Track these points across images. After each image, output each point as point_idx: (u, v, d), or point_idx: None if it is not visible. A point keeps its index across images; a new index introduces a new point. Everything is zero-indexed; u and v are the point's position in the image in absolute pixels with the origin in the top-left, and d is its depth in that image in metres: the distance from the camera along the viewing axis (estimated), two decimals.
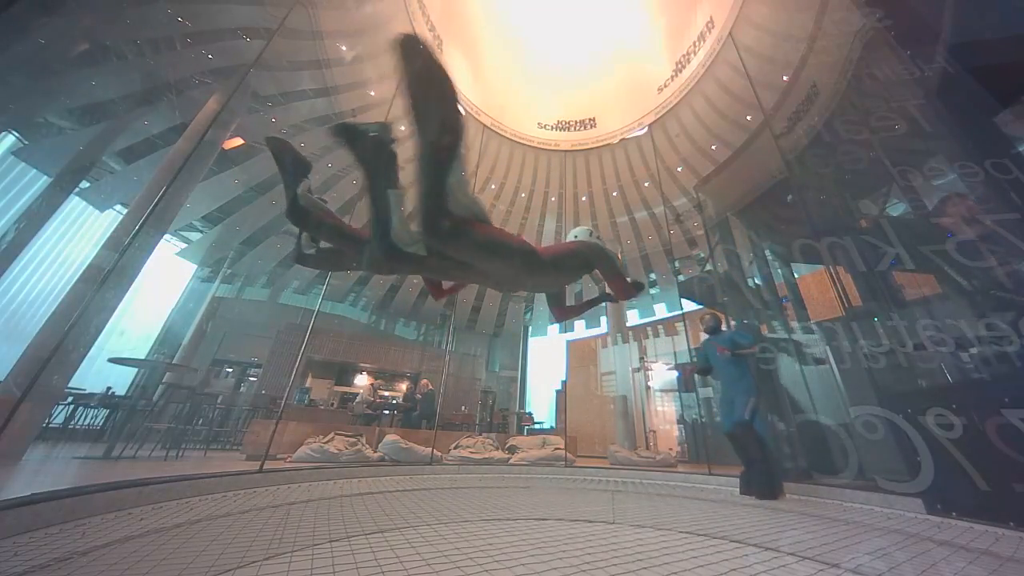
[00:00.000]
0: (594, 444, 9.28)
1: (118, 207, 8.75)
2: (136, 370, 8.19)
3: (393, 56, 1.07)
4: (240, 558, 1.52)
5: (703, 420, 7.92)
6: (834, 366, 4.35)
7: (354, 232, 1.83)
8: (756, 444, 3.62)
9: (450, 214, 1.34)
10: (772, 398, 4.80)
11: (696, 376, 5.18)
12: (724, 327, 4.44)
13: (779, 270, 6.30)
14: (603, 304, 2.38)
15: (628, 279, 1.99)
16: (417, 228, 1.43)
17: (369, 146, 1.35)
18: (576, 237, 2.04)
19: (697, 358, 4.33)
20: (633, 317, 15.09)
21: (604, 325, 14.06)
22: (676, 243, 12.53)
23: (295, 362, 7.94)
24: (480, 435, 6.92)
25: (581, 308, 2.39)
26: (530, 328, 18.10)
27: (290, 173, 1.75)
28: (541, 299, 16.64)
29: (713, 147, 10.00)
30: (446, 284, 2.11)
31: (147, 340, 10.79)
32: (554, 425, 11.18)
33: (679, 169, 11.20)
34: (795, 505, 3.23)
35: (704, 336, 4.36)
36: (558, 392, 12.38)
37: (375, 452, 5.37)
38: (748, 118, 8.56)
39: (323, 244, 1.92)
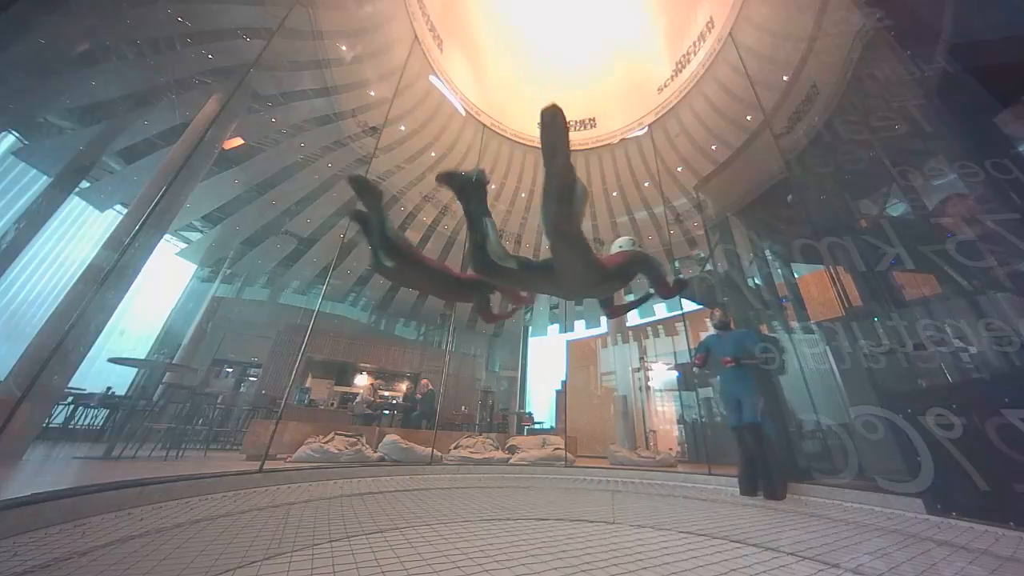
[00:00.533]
0: (594, 444, 9.28)
1: (118, 207, 8.74)
2: (136, 370, 8.19)
3: (541, 122, 1.42)
4: (240, 558, 1.52)
5: (703, 420, 7.92)
6: (834, 366, 4.35)
7: (428, 263, 2.20)
8: (765, 445, 3.62)
9: (566, 231, 1.62)
10: (772, 398, 4.80)
11: (695, 368, 5.20)
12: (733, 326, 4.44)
13: (779, 270, 6.30)
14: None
15: (670, 280, 2.24)
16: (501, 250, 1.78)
17: (471, 187, 1.74)
18: (622, 248, 2.29)
19: (697, 349, 4.32)
20: (633, 317, 15.09)
21: (604, 325, 14.06)
22: (676, 243, 12.53)
23: (295, 362, 7.93)
24: (480, 435, 6.92)
25: (631, 306, 2.75)
26: (530, 328, 18.09)
27: (378, 209, 1.96)
28: (541, 299, 16.65)
29: (713, 147, 10.00)
30: (499, 310, 2.44)
31: (147, 340, 10.79)
32: (554, 425, 11.19)
33: (679, 169, 11.19)
34: (795, 505, 3.24)
35: (711, 331, 4.36)
36: (558, 392, 12.39)
37: (375, 452, 5.37)
38: (748, 118, 8.55)
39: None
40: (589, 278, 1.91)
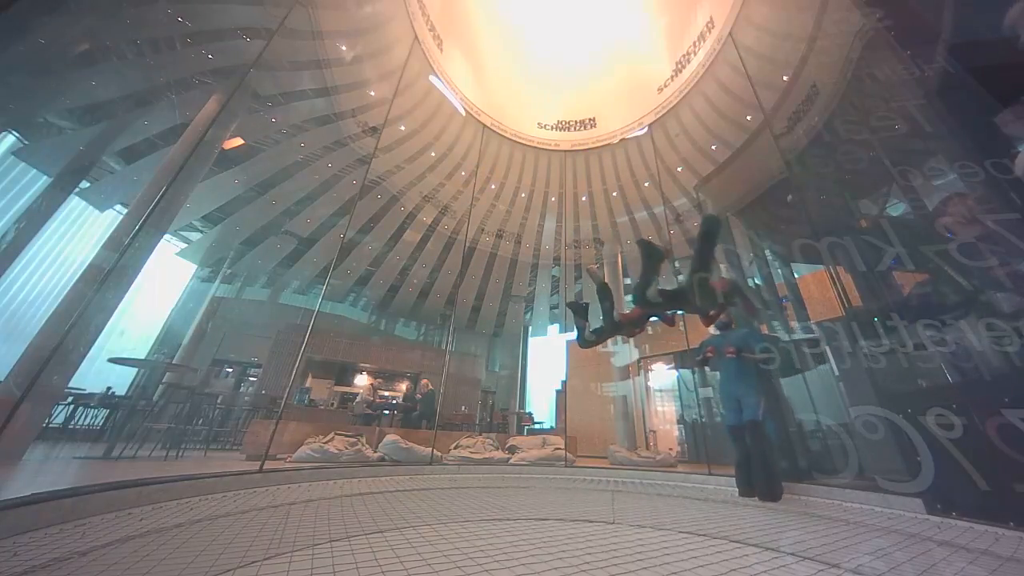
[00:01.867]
0: (594, 444, 9.28)
1: (118, 207, 8.75)
2: (136, 370, 8.18)
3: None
4: (240, 558, 1.52)
5: (703, 420, 7.92)
6: (834, 366, 4.35)
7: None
8: (764, 444, 3.61)
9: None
10: (772, 398, 4.79)
11: (700, 366, 5.23)
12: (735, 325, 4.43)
13: (779, 270, 6.30)
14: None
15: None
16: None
17: (655, 254, 2.89)
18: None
19: (699, 349, 4.32)
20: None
21: (599, 322, 14.04)
22: (676, 243, 12.52)
23: (295, 362, 7.93)
24: (480, 435, 6.92)
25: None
26: (530, 328, 18.09)
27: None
28: (541, 299, 16.66)
29: (713, 147, 10.00)
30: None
31: (147, 340, 10.79)
32: (554, 425, 11.19)
33: (679, 169, 11.19)
34: (795, 505, 3.24)
35: (712, 330, 4.36)
36: (558, 392, 12.38)
37: (375, 452, 5.37)
38: (748, 118, 8.56)
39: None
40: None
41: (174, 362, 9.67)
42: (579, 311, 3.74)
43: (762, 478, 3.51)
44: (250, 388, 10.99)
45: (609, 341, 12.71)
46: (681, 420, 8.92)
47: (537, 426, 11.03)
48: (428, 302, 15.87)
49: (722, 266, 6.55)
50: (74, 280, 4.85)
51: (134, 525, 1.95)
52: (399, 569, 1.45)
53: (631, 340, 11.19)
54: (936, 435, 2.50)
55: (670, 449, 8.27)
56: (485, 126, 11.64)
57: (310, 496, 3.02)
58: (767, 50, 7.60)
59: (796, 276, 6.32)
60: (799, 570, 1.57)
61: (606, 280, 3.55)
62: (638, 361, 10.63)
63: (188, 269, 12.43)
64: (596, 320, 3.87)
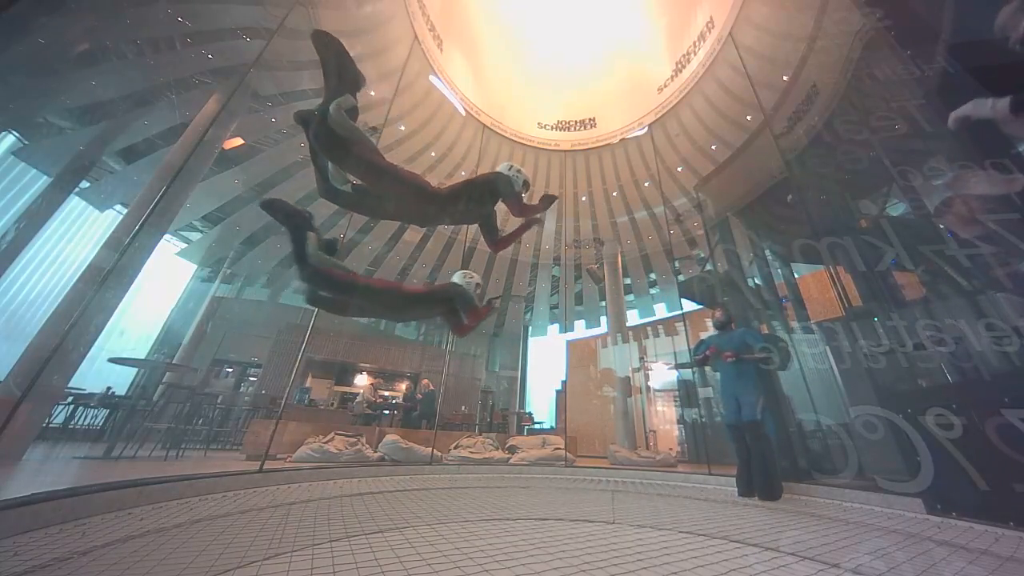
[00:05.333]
0: (594, 444, 9.28)
1: (118, 207, 8.74)
2: (136, 370, 8.18)
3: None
4: (240, 558, 1.52)
5: (703, 420, 7.92)
6: (834, 366, 4.35)
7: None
8: (764, 444, 3.61)
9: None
10: (771, 397, 4.80)
11: (695, 367, 5.21)
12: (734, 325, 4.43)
13: (779, 270, 6.29)
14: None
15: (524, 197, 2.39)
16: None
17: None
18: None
19: (696, 349, 4.32)
20: (633, 317, 15.10)
21: (604, 325, 14.07)
22: (676, 243, 12.52)
23: (295, 362, 7.93)
24: (480, 435, 6.92)
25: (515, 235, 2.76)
26: (530, 328, 18.09)
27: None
28: (541, 300, 16.66)
29: (713, 147, 9.99)
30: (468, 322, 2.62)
31: (147, 340, 10.79)
32: (554, 425, 11.19)
33: (679, 169, 11.19)
34: (795, 505, 3.24)
35: (711, 330, 4.36)
36: (558, 392, 12.39)
37: (375, 452, 5.37)
38: (748, 118, 8.55)
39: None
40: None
41: (174, 362, 9.67)
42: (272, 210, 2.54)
43: (762, 478, 3.51)
44: (250, 388, 10.99)
45: (609, 340, 12.61)
46: (681, 420, 8.92)
47: (537, 426, 11.03)
48: None
49: (718, 264, 6.56)
50: (74, 280, 4.85)
51: (134, 525, 1.95)
52: (399, 569, 1.45)
53: (632, 340, 11.22)
54: (936, 435, 2.50)
55: (670, 449, 8.27)
56: (485, 126, 11.64)
57: (310, 496, 3.02)
58: (767, 50, 7.60)
59: (796, 276, 6.32)
60: (799, 570, 1.57)
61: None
62: (638, 361, 10.63)
63: (188, 269, 12.43)
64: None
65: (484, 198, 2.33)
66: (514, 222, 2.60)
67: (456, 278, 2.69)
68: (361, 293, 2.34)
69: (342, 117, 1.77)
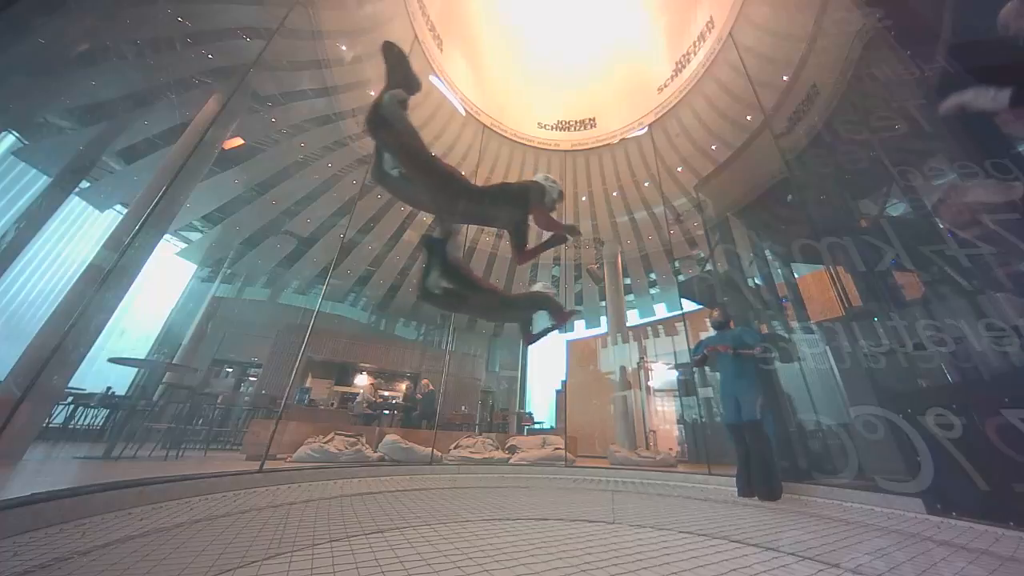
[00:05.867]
0: (594, 444, 9.28)
1: (118, 207, 8.74)
2: (136, 370, 8.19)
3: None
4: (240, 558, 1.52)
5: (703, 420, 7.92)
6: (834, 366, 4.35)
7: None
8: (763, 444, 3.61)
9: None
10: (771, 397, 4.80)
11: (694, 368, 5.22)
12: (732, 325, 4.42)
13: (779, 270, 6.29)
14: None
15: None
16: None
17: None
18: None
19: (695, 349, 4.32)
20: (633, 317, 15.10)
21: (604, 325, 14.06)
22: (676, 243, 12.52)
23: (295, 362, 7.93)
24: (480, 435, 6.92)
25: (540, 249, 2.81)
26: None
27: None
28: None
29: (713, 147, 9.99)
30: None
31: (147, 340, 10.80)
32: (554, 425, 11.19)
33: (679, 169, 11.19)
34: (795, 505, 3.23)
35: (711, 331, 4.35)
36: (558, 392, 12.39)
37: (375, 452, 5.37)
38: (748, 118, 8.55)
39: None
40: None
41: (174, 362, 9.68)
42: (428, 247, 2.53)
43: (762, 478, 3.51)
44: (250, 388, 11.00)
45: (609, 340, 12.63)
46: (681, 420, 8.92)
47: (537, 426, 11.03)
48: None
49: (718, 264, 6.57)
50: (74, 280, 4.85)
51: (134, 525, 1.95)
52: (399, 569, 1.45)
53: (632, 340, 11.22)
54: (936, 435, 2.50)
55: (670, 449, 8.27)
56: (485, 126, 11.64)
57: (310, 496, 3.02)
58: (767, 50, 7.60)
59: (796, 276, 6.32)
60: (799, 570, 1.57)
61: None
62: (638, 361, 10.63)
63: (188, 269, 12.44)
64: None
65: (517, 202, 2.40)
66: (537, 240, 2.73)
67: (540, 287, 2.94)
68: (474, 291, 2.56)
69: (393, 104, 2.07)
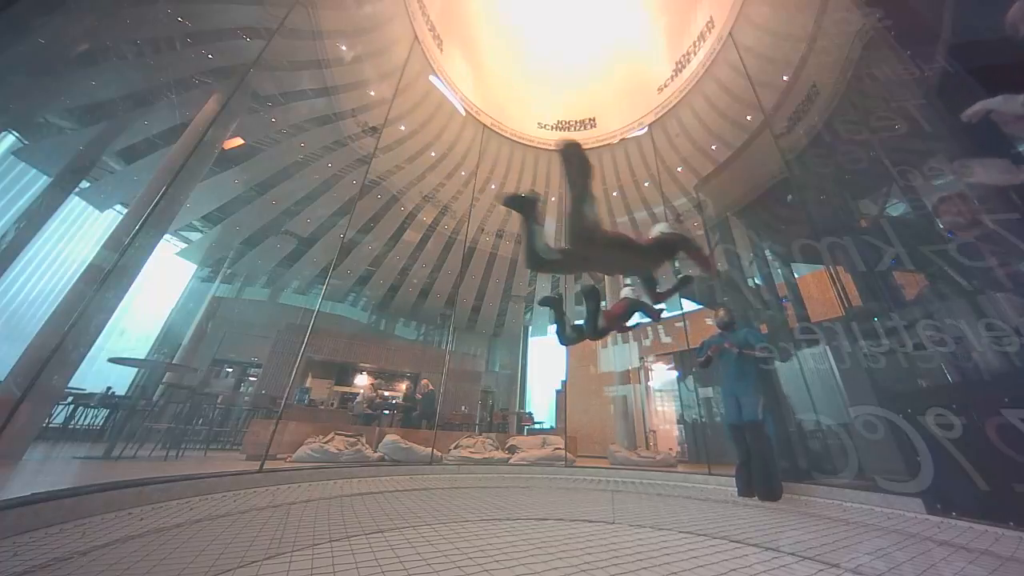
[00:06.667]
0: (594, 444, 9.28)
1: (118, 207, 8.74)
2: (136, 370, 8.19)
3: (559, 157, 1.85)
4: (240, 558, 1.52)
5: (703, 420, 7.92)
6: (834, 366, 4.35)
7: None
8: (764, 444, 3.61)
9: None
10: (772, 398, 4.80)
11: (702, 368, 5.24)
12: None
13: (779, 270, 6.30)
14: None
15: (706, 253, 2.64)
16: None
17: (527, 204, 2.08)
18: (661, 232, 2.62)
19: (700, 351, 4.32)
20: (633, 317, 15.06)
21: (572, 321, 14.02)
22: None
23: (295, 362, 7.94)
24: (480, 435, 6.92)
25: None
26: (530, 328, 18.09)
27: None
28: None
29: (713, 147, 9.99)
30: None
31: (147, 340, 10.79)
32: (554, 425, 11.19)
33: (679, 169, 11.19)
34: (795, 505, 3.24)
35: (717, 331, 4.35)
36: (558, 392, 12.38)
37: (375, 452, 5.37)
38: (748, 118, 8.55)
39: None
40: (625, 256, 2.36)
41: (174, 362, 9.68)
42: (554, 305, 3.35)
43: (762, 478, 3.51)
44: (250, 388, 10.99)
45: (609, 340, 12.63)
46: (681, 420, 8.92)
47: (537, 426, 11.03)
48: (428, 302, 15.86)
49: (718, 264, 6.56)
50: (74, 280, 4.84)
51: (134, 525, 1.95)
52: (399, 569, 1.45)
53: (633, 340, 11.21)
54: (936, 435, 2.50)
55: (670, 449, 8.27)
56: (485, 126, 11.64)
57: (310, 496, 3.02)
58: (767, 50, 7.59)
59: (796, 276, 6.32)
60: (799, 570, 1.57)
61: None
62: (639, 361, 10.63)
63: (188, 269, 12.43)
64: (572, 313, 3.59)
65: (671, 252, 2.55)
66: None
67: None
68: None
69: (593, 214, 2.03)
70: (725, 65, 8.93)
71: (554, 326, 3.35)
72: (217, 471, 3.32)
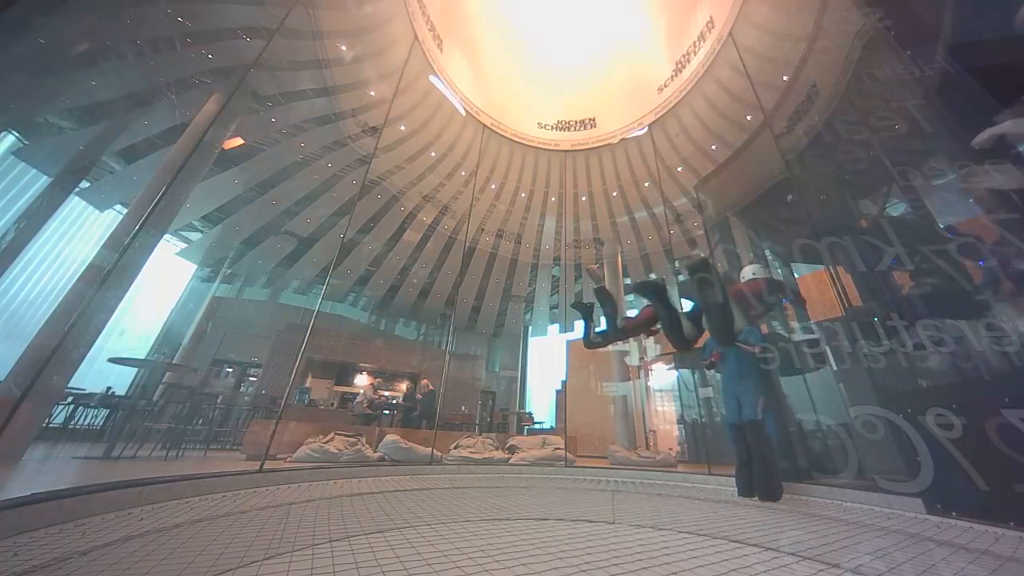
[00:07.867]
0: (594, 444, 9.28)
1: (118, 207, 8.74)
2: (136, 370, 8.19)
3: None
4: (240, 558, 1.52)
5: (703, 420, 7.92)
6: (834, 366, 4.35)
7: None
8: (764, 444, 3.61)
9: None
10: (772, 398, 4.80)
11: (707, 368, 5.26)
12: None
13: (779, 270, 6.30)
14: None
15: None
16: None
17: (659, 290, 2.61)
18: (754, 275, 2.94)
19: (704, 351, 4.34)
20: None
21: (604, 325, 14.03)
22: (676, 243, 12.52)
23: (295, 362, 7.95)
24: (480, 435, 6.92)
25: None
26: (530, 328, 18.09)
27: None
28: (541, 299, 16.65)
29: (713, 147, 9.99)
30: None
31: (147, 340, 10.78)
32: (554, 425, 11.19)
33: (679, 169, 11.19)
34: (795, 505, 3.24)
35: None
36: (558, 392, 12.39)
37: (375, 452, 5.37)
38: (748, 118, 8.55)
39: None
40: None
41: (174, 362, 9.68)
42: (584, 311, 3.62)
43: (762, 478, 3.51)
44: (250, 388, 11.00)
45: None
46: (681, 420, 8.92)
47: (537, 426, 11.03)
48: (428, 302, 15.85)
49: (718, 264, 6.56)
50: (74, 280, 4.84)
51: (134, 525, 1.95)
52: (399, 569, 1.45)
53: (632, 340, 11.21)
54: (936, 435, 2.50)
55: (670, 449, 8.27)
56: (485, 126, 11.64)
57: (310, 496, 3.02)
58: (767, 50, 7.60)
59: (796, 276, 6.32)
60: (799, 570, 1.57)
61: (605, 281, 3.28)
62: (638, 361, 10.62)
63: (188, 269, 12.42)
64: (599, 320, 3.76)
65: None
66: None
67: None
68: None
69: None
70: (725, 65, 8.93)
71: (576, 329, 3.68)
72: (217, 471, 3.32)
